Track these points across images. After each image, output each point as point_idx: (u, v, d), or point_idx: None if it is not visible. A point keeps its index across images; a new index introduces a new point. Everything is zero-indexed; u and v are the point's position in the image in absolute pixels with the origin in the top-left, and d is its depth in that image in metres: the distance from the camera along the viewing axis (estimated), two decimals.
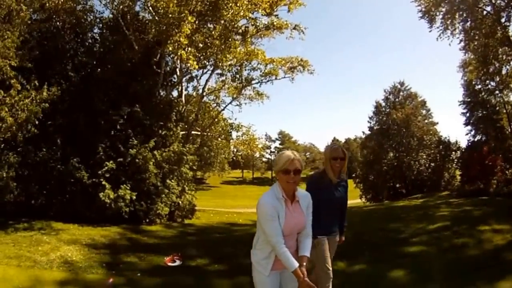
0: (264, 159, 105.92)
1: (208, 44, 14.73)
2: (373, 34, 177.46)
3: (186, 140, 17.03)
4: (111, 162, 12.13)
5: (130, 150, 12.37)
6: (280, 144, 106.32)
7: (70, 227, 10.96)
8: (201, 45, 14.65)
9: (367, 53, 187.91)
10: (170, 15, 12.55)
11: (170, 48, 13.23)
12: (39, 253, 8.07)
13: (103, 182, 11.85)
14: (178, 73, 17.79)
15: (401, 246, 9.08)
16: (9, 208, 11.36)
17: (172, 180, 13.82)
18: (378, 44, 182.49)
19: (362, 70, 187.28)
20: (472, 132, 38.16)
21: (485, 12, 22.39)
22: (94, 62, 13.70)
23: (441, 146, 37.20)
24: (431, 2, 22.32)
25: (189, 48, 13.35)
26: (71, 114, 12.54)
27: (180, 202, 14.22)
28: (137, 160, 12.40)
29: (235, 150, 47.71)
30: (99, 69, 13.37)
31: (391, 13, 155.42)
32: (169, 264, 8.31)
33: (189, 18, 12.44)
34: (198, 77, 20.28)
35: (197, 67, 14.57)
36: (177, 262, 8.39)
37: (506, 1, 21.72)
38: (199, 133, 21.48)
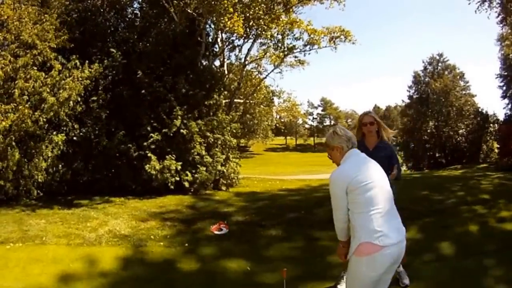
0: (306, 126, 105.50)
1: (252, 13, 14.56)
2: (413, 8, 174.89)
3: (229, 108, 16.95)
4: (156, 133, 12.06)
5: (175, 121, 12.20)
6: (322, 110, 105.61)
7: (117, 201, 11.00)
8: (248, 14, 14.47)
9: (407, 26, 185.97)
10: None
11: (217, 16, 13.13)
12: (87, 229, 8.05)
13: (149, 154, 11.80)
14: (219, 44, 17.55)
15: (445, 217, 8.86)
16: (55, 187, 11.44)
17: (217, 149, 13.72)
18: (417, 18, 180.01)
19: (402, 42, 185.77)
20: (509, 106, 37.69)
21: None
22: (135, 37, 13.52)
23: (479, 118, 36.32)
24: None
25: (235, 16, 13.04)
26: (115, 89, 12.53)
27: (225, 170, 14.10)
28: (181, 131, 12.28)
29: (278, 116, 47.64)
30: (140, 43, 13.18)
31: None
32: (216, 232, 8.20)
33: None
34: (240, 47, 20.05)
35: (242, 31, 14.18)
36: (224, 230, 8.28)
37: None
38: (241, 101, 21.34)
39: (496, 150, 31.20)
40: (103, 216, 9.20)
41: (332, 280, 5.67)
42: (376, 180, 3.45)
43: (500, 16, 23.93)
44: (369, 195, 3.33)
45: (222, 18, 13.01)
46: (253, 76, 23.27)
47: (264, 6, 15.01)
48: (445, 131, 37.45)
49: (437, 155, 38.53)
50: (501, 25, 25.31)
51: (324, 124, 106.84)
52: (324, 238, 7.74)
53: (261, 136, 62.86)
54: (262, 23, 15.14)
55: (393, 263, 3.36)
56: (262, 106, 30.53)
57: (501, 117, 36.06)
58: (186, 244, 7.43)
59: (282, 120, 64.50)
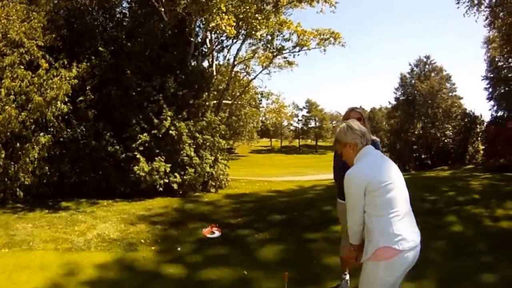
0: (291, 128, 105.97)
1: (243, 12, 14.60)
2: (399, 10, 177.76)
3: (218, 110, 16.79)
4: (144, 134, 11.83)
5: (164, 121, 12.00)
6: (307, 112, 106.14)
7: (105, 204, 10.76)
8: (239, 13, 14.50)
9: (393, 29, 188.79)
10: None
11: (208, 16, 12.99)
12: (75, 233, 7.80)
13: (137, 156, 11.58)
14: (208, 44, 17.37)
15: (437, 217, 8.95)
16: (42, 190, 11.15)
17: (205, 150, 13.52)
18: (403, 20, 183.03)
19: (387, 44, 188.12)
20: (495, 107, 38.75)
21: None
22: (124, 36, 13.25)
23: (466, 119, 37.04)
24: None
25: (226, 16, 12.89)
26: (103, 89, 12.28)
27: (214, 172, 13.91)
28: (170, 132, 12.07)
29: (264, 118, 47.74)
30: (129, 43, 12.92)
31: None
32: (208, 236, 8.01)
33: None
34: (229, 47, 19.86)
35: (234, 32, 14.08)
36: (216, 234, 8.11)
37: None
38: (229, 102, 21.23)
39: (482, 152, 31.63)
40: (91, 219, 8.95)
41: (331, 282, 5.65)
42: (395, 180, 3.29)
43: (488, 20, 24.61)
44: (389, 197, 3.18)
45: (213, 18, 12.83)
46: (241, 77, 23.23)
47: (255, 6, 15.00)
48: (432, 132, 38.09)
49: (423, 156, 39.07)
50: (489, 28, 26.25)
51: (309, 126, 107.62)
52: (319, 240, 7.76)
53: (247, 138, 62.91)
54: (254, 22, 15.15)
55: (408, 266, 3.24)
56: (247, 108, 30.56)
57: (487, 118, 37.15)
58: (179, 249, 7.24)
59: (269, 122, 64.70)
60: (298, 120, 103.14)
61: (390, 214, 3.15)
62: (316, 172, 40.83)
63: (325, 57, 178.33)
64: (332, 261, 6.34)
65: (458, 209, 9.73)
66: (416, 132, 38.64)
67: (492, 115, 39.61)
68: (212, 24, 13.18)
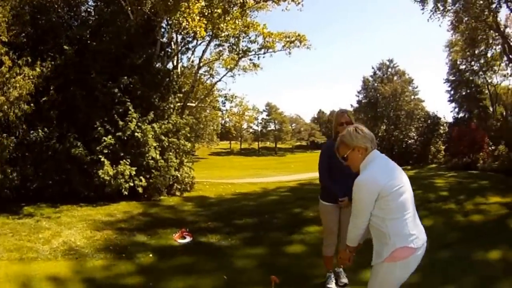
0: (251, 130, 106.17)
1: (210, 13, 14.45)
2: (360, 14, 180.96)
3: (182, 112, 16.54)
4: (109, 137, 11.45)
5: (129, 123, 11.66)
6: (267, 115, 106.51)
7: (69, 209, 10.32)
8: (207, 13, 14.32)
9: (354, 32, 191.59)
10: None
11: (178, 16, 12.80)
12: (40, 241, 7.37)
13: (102, 159, 11.18)
14: (172, 45, 17.06)
15: None
16: (4, 194, 10.54)
17: (170, 153, 13.23)
18: (365, 24, 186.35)
19: (348, 48, 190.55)
20: (456, 110, 40.03)
21: None
22: (89, 35, 12.86)
23: (429, 121, 37.99)
24: None
25: (197, 17, 12.77)
26: (67, 89, 11.79)
27: (179, 175, 13.65)
28: (136, 134, 11.73)
29: (227, 120, 47.59)
30: (94, 42, 12.50)
31: None
32: (179, 241, 7.75)
33: None
34: (194, 49, 19.59)
35: (205, 34, 14.03)
36: (187, 239, 7.86)
37: None
38: (194, 105, 20.94)
39: (443, 152, 32.52)
40: (56, 226, 8.52)
41: (316, 280, 5.74)
42: (405, 183, 3.31)
43: (452, 24, 26.36)
44: (402, 200, 3.20)
45: (183, 18, 12.63)
46: (205, 80, 23.02)
47: (222, 7, 14.94)
48: (395, 134, 38.78)
49: None
50: (452, 32, 28.46)
51: (268, 128, 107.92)
52: (296, 241, 7.80)
53: (207, 140, 62.69)
54: (221, 24, 15.13)
55: (419, 262, 3.34)
56: (208, 111, 30.38)
57: (449, 120, 39.33)
58: (151, 255, 6.93)
59: (229, 124, 64.65)
60: (258, 123, 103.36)
61: (404, 216, 3.19)
62: (275, 173, 41.58)
63: (284, 60, 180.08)
64: (313, 261, 6.40)
65: (429, 206, 10.28)
66: (380, 134, 39.29)
67: (453, 116, 41.01)
68: (184, 23, 12.92)
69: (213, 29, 15.75)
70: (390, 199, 3.15)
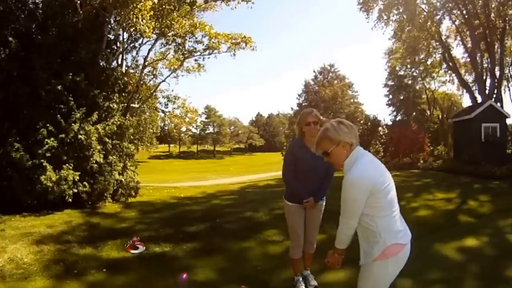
0: (190, 133, 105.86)
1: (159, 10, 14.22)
2: (303, 19, 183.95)
3: (126, 113, 15.87)
4: (52, 139, 10.61)
5: (73, 124, 10.91)
6: (206, 118, 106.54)
7: (12, 219, 9.46)
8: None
9: (296, 33, 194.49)
10: None
11: (129, 11, 12.38)
12: None
13: (44, 163, 10.37)
14: (118, 44, 16.43)
15: None
16: None
17: (114, 156, 12.54)
18: (306, 27, 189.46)
19: (287, 51, 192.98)
20: (394, 113, 42.34)
21: (420, 8, 26.67)
22: (34, 29, 12.04)
23: (369, 123, 39.36)
24: None
25: (148, 13, 12.44)
26: (9, 86, 10.92)
27: (123, 179, 13.03)
28: (79, 136, 10.99)
29: (167, 123, 46.97)
30: (39, 36, 11.71)
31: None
32: (132, 251, 7.18)
33: None
34: (138, 48, 18.97)
35: (151, 34, 13.58)
36: (140, 249, 7.31)
37: (442, 2, 26.82)
38: (137, 106, 20.27)
39: (382, 153, 33.64)
40: (0, 240, 7.67)
41: (284, 284, 5.64)
42: (391, 179, 3.25)
43: (395, 33, 28.75)
44: (390, 197, 3.15)
45: (132, 16, 12.22)
46: (148, 80, 22.41)
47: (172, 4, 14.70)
48: None
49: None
50: (393, 40, 30.80)
51: (207, 131, 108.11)
52: (254, 247, 7.59)
53: (146, 143, 61.58)
54: (170, 22, 15.03)
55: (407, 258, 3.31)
56: (148, 113, 29.76)
57: (388, 122, 41.96)
58: (104, 270, 6.29)
59: (168, 128, 63.94)
60: (197, 126, 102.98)
61: (393, 212, 3.16)
62: (216, 176, 42.71)
63: (221, 63, 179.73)
64: (277, 266, 6.28)
65: None
66: None
67: (391, 119, 43.00)
68: (134, 20, 12.41)
69: (161, 27, 15.44)
70: (381, 196, 3.07)
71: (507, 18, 27.59)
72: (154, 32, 15.56)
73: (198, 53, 20.49)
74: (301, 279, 5.41)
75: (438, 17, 27.77)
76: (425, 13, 26.58)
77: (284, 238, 7.61)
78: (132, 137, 13.86)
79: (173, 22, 15.36)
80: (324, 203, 5.27)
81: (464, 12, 26.29)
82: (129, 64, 18.51)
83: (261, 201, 12.59)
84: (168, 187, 19.48)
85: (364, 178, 3.05)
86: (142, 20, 12.16)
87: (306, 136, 5.01)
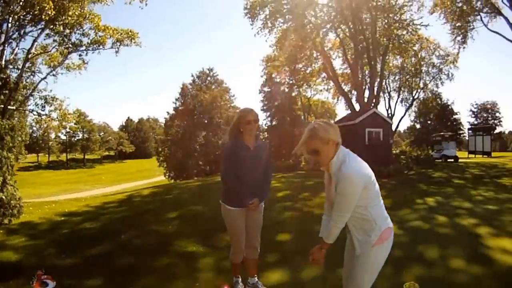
0: (59, 140, 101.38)
1: None
2: (187, 25, 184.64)
3: (3, 116, 13.66)
4: None
5: None
6: (75, 123, 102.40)
7: None
8: None
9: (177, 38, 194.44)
10: None
11: None
12: None
13: None
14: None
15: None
16: None
17: None
18: (194, 35, 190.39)
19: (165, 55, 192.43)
20: (269, 118, 44.89)
21: (306, 20, 28.02)
22: None
23: None
24: (257, 2, 27.54)
25: None
26: None
27: (4, 197, 10.70)
28: None
29: (37, 129, 43.94)
30: None
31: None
32: None
33: None
34: (20, 38, 16.75)
35: (52, 12, 11.79)
36: (50, 285, 5.53)
37: (326, 18, 29.19)
38: (14, 108, 17.80)
39: None
40: None
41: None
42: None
43: (277, 41, 30.00)
44: (377, 188, 3.43)
45: None
46: (25, 77, 19.93)
47: None
48: (213, 140, 41.93)
49: (200, 163, 45.35)
50: (275, 48, 31.60)
51: (76, 138, 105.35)
52: (176, 263, 6.75)
53: (15, 153, 57.12)
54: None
55: None
56: (16, 118, 26.92)
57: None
58: None
59: (41, 134, 60.44)
60: (66, 132, 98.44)
61: (381, 201, 3.48)
62: (89, 187, 42.77)
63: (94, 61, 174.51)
64: (209, 278, 5.93)
65: (281, 205, 11.44)
66: (199, 140, 41.51)
67: (266, 124, 48.42)
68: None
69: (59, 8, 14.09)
70: (371, 187, 3.34)
71: (391, 38, 30.09)
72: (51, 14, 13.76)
73: (83, 47, 19.39)
74: (240, 280, 5.38)
75: (324, 30, 29.86)
76: (311, 25, 28.22)
77: (205, 247, 7.47)
78: (11, 144, 11.71)
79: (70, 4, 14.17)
80: (263, 205, 5.17)
81: (351, 26, 27.97)
82: (7, 58, 16.20)
83: (158, 210, 11.91)
84: (47, 202, 17.44)
85: (360, 173, 3.28)
86: None
87: (245, 136, 4.93)
